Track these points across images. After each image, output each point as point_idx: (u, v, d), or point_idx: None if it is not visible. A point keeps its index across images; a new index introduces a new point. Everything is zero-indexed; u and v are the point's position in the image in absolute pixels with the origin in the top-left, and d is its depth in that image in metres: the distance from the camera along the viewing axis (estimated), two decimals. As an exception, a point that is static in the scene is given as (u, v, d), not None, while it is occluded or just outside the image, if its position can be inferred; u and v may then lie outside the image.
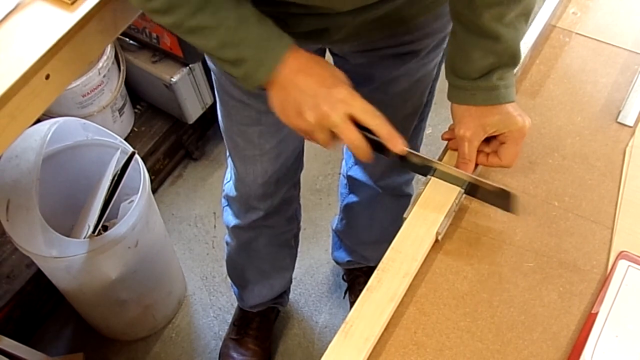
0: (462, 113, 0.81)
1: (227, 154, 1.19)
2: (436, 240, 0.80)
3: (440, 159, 0.87)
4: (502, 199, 0.81)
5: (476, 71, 0.79)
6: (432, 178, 0.83)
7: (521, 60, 0.95)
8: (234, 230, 1.34)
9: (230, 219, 1.32)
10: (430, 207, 0.81)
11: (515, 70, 0.81)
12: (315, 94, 0.74)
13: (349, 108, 0.74)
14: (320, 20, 0.84)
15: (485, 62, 0.78)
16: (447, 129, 0.87)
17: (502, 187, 0.80)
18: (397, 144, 0.76)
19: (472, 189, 0.82)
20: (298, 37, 0.80)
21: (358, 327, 0.73)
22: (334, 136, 0.76)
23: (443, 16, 0.93)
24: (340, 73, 0.78)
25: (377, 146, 0.77)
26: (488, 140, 0.83)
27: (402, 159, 0.80)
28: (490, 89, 0.79)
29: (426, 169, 0.83)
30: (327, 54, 1.05)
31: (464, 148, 0.82)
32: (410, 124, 1.13)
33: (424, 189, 0.83)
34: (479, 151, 0.83)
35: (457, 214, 0.83)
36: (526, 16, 0.78)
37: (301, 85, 0.75)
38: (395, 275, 0.76)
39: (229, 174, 1.26)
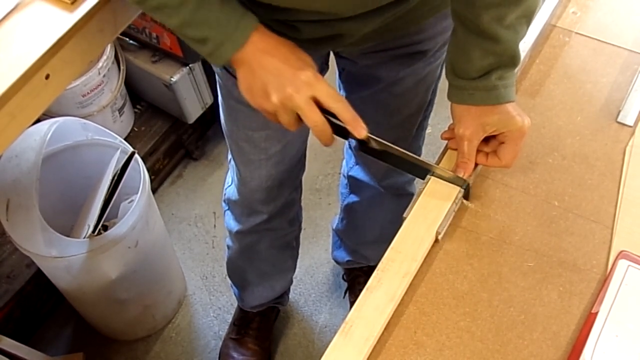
0: (462, 112, 0.82)
1: (229, 158, 1.19)
2: (436, 240, 0.80)
3: (440, 159, 0.87)
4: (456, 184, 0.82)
5: (475, 71, 0.79)
6: (432, 178, 0.83)
7: (521, 60, 0.95)
8: (236, 235, 1.34)
9: (232, 223, 1.32)
10: (430, 206, 0.81)
11: (515, 70, 0.81)
12: (280, 75, 0.75)
13: (313, 91, 0.75)
14: (332, 26, 0.84)
15: (485, 62, 0.78)
16: (446, 129, 0.87)
17: (456, 174, 0.81)
18: (359, 128, 0.77)
19: (416, 169, 0.84)
20: (310, 42, 0.80)
21: (358, 327, 0.73)
22: (298, 118, 0.77)
23: (450, 15, 0.93)
24: (306, 56, 0.78)
25: (340, 130, 0.78)
26: (487, 140, 0.83)
27: (363, 143, 0.80)
28: (489, 88, 0.79)
29: (386, 155, 0.83)
30: (331, 55, 1.05)
31: (464, 147, 0.82)
32: (414, 122, 1.13)
33: (423, 188, 0.83)
34: (478, 150, 0.83)
35: (457, 214, 0.83)
36: (527, 18, 0.78)
37: (267, 65, 0.75)
38: (395, 275, 0.76)
39: (230, 177, 1.26)
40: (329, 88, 0.76)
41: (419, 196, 0.82)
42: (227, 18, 0.74)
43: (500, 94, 0.79)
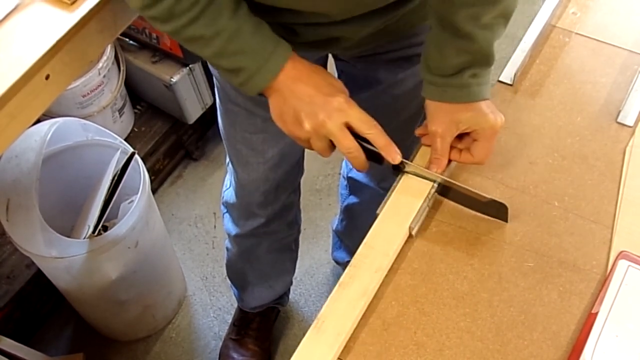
0: (435, 109, 0.81)
1: (227, 161, 1.19)
2: (410, 236, 0.80)
3: (414, 155, 0.86)
4: (494, 209, 0.81)
5: (449, 68, 0.78)
6: (406, 174, 0.83)
7: (520, 62, 0.95)
8: (235, 238, 1.34)
9: (231, 226, 1.32)
10: (403, 202, 0.81)
11: (490, 69, 0.81)
12: (312, 102, 0.75)
13: (346, 117, 0.75)
14: (330, 30, 0.84)
15: (458, 60, 0.77)
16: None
17: (493, 198, 0.80)
18: (393, 154, 0.78)
19: (464, 199, 0.83)
20: (306, 45, 0.80)
21: (330, 323, 0.73)
22: (331, 144, 0.78)
23: None
24: (338, 82, 0.79)
25: (373, 155, 0.78)
26: (461, 136, 0.82)
27: (397, 168, 0.81)
28: (461, 86, 0.79)
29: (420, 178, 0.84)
30: (330, 58, 1.05)
31: (437, 144, 0.82)
32: (415, 123, 1.13)
33: (396, 185, 0.83)
34: (452, 147, 0.83)
35: (457, 214, 0.83)
36: (505, 18, 0.77)
37: (299, 93, 0.76)
38: (367, 271, 0.76)
39: (229, 180, 1.26)
40: (361, 114, 0.76)
41: (392, 192, 0.82)
42: (261, 47, 0.75)
43: (473, 91, 0.79)
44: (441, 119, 0.81)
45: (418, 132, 0.87)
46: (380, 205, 0.82)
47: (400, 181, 0.83)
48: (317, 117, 0.75)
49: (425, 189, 0.82)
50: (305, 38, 0.84)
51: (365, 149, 0.77)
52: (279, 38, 0.76)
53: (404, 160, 0.80)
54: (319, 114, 0.75)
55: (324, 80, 0.77)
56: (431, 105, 0.82)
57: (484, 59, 0.78)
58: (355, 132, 0.76)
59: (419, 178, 0.83)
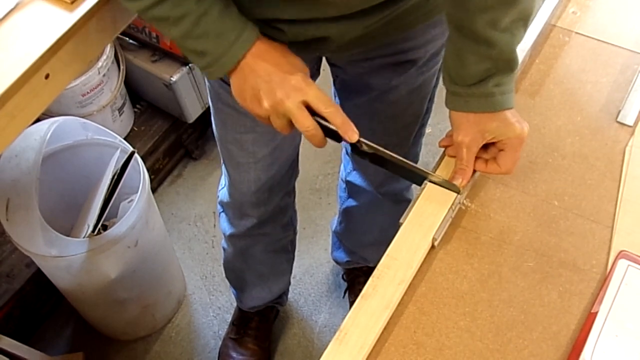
0: (460, 119, 0.81)
1: (222, 160, 1.19)
2: (432, 247, 0.80)
3: (437, 165, 0.86)
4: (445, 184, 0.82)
5: (471, 77, 0.78)
6: (429, 184, 0.83)
7: (520, 62, 0.95)
8: (230, 238, 1.34)
9: (226, 226, 1.32)
10: (427, 212, 0.80)
11: (513, 76, 0.80)
12: (271, 79, 0.76)
13: (304, 95, 0.76)
14: (317, 28, 0.83)
15: (481, 68, 0.77)
16: (445, 133, 0.86)
17: (451, 181, 0.81)
18: (350, 132, 0.78)
19: (410, 175, 0.84)
20: (294, 46, 0.80)
21: (353, 335, 0.72)
22: (290, 122, 0.78)
23: (442, 23, 0.92)
24: (298, 61, 0.79)
25: (331, 133, 0.79)
26: (486, 146, 0.82)
27: (354, 147, 0.81)
28: (485, 95, 0.78)
29: (380, 160, 0.84)
30: (326, 65, 1.05)
31: (462, 154, 0.81)
32: (411, 131, 1.12)
33: (420, 194, 0.82)
34: (477, 158, 0.82)
35: (457, 214, 0.83)
36: (524, 21, 0.76)
37: (258, 70, 0.76)
38: (390, 283, 0.76)
39: (224, 180, 1.26)
40: (319, 92, 0.77)
41: (415, 202, 0.81)
42: (227, 32, 0.75)
43: (497, 101, 0.78)
44: (467, 129, 0.80)
45: (442, 143, 0.86)
46: (403, 215, 0.81)
47: (424, 191, 0.82)
48: (275, 95, 0.76)
49: (448, 199, 0.81)
50: (292, 37, 0.84)
51: (323, 127, 0.78)
52: (247, 22, 0.77)
53: (361, 139, 0.80)
54: (278, 92, 0.76)
55: (284, 58, 0.78)
56: (455, 116, 0.81)
57: (506, 65, 0.77)
58: (313, 110, 0.77)
59: (442, 188, 0.82)
